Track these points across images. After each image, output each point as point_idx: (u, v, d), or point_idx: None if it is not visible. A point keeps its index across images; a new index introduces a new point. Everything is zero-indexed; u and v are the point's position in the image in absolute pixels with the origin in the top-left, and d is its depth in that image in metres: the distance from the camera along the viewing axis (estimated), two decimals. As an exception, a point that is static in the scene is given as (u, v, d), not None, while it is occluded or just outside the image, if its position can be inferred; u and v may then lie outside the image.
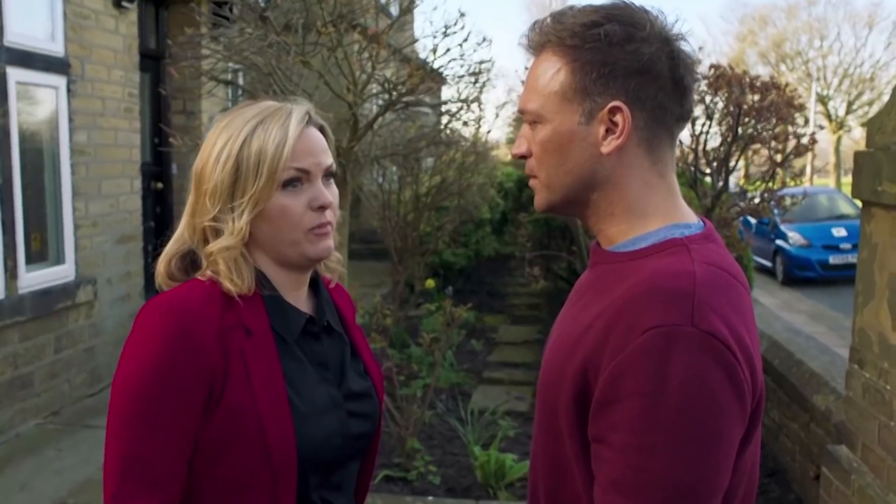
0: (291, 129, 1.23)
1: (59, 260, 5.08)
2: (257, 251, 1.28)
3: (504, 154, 13.67)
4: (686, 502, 0.94)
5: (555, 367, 1.08)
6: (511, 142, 17.19)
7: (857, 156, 2.84)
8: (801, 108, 4.35)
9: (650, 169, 1.09)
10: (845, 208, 14.02)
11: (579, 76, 1.06)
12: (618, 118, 1.05)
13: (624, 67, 1.04)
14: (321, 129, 1.32)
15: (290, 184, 1.23)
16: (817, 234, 12.71)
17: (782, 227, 12.77)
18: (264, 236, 1.25)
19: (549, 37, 1.09)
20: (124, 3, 5.56)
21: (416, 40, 4.67)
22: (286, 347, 1.26)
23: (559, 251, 5.76)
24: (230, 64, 4.79)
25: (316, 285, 1.37)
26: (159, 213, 6.80)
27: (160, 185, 6.77)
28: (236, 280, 1.22)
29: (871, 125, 2.78)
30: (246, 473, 1.18)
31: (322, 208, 1.25)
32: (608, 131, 1.06)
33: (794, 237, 12.83)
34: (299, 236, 1.24)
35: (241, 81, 5.03)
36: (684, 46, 1.08)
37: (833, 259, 12.61)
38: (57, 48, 4.98)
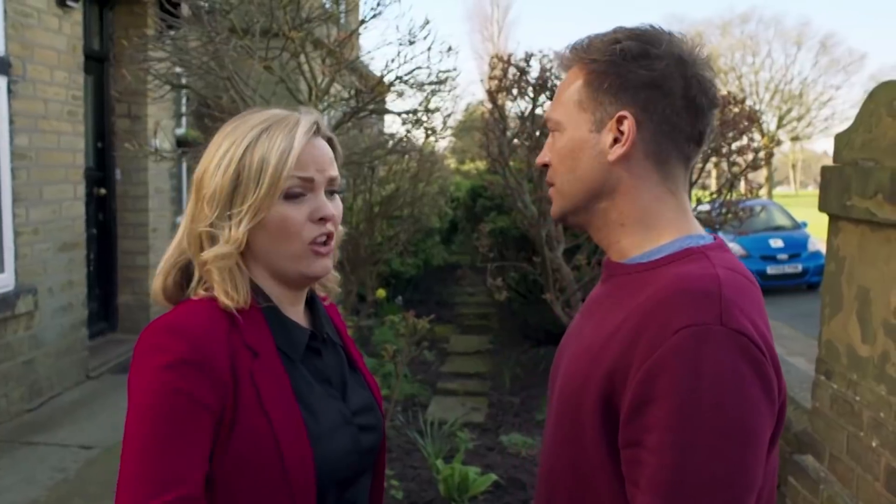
0: (297, 138, 1.19)
1: (-2, 269, 4.85)
2: (254, 264, 1.23)
3: (450, 164, 13.71)
4: (723, 499, 0.94)
5: (576, 377, 1.09)
6: (455, 152, 17.34)
7: (825, 170, 2.88)
8: (758, 122, 4.45)
9: (660, 184, 1.12)
10: (781, 220, 14.44)
11: (594, 86, 1.11)
12: (624, 126, 1.09)
13: (635, 80, 1.09)
14: (329, 141, 1.28)
15: (293, 195, 1.19)
16: (755, 245, 13.05)
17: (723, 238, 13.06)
18: (262, 248, 1.21)
19: (579, 54, 1.15)
20: (69, 3, 5.35)
21: (367, 51, 4.63)
22: (292, 366, 1.22)
23: (515, 262, 5.75)
24: (177, 68, 4.64)
25: (311, 298, 1.33)
26: (102, 220, 6.57)
27: (103, 190, 6.54)
28: (231, 292, 1.17)
29: (839, 141, 2.83)
30: (265, 499, 1.12)
31: (323, 220, 1.21)
32: (616, 140, 1.10)
33: (733, 248, 13.13)
34: (299, 249, 1.20)
35: (186, 86, 4.87)
36: (703, 69, 1.12)
37: (770, 269, 12.98)
38: (-3, 47, 4.76)
